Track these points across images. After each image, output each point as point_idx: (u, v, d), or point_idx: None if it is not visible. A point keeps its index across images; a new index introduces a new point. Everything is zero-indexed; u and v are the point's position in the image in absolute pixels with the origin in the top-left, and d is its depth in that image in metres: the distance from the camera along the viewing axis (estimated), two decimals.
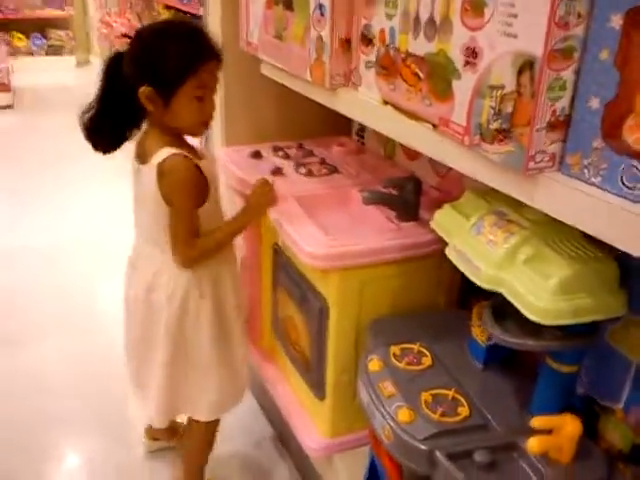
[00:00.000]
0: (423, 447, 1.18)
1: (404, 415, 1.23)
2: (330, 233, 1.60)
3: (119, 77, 1.50)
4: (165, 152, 1.48)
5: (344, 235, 1.58)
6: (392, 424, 1.23)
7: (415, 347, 1.43)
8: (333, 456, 1.80)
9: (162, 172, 1.48)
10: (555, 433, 1.14)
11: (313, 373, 1.75)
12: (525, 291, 1.06)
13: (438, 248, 1.57)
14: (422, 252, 1.59)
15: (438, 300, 1.69)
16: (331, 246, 1.52)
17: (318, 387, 1.74)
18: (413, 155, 1.93)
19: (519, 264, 1.09)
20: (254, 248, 2.07)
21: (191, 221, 1.55)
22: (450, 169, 1.76)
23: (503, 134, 0.94)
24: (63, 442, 2.24)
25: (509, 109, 0.92)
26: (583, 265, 1.04)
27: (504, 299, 1.22)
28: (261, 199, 1.70)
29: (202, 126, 1.56)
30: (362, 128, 2.21)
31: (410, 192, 1.58)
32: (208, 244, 1.60)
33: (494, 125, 0.95)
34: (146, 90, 1.45)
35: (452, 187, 1.73)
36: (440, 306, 1.68)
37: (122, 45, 1.64)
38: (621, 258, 1.08)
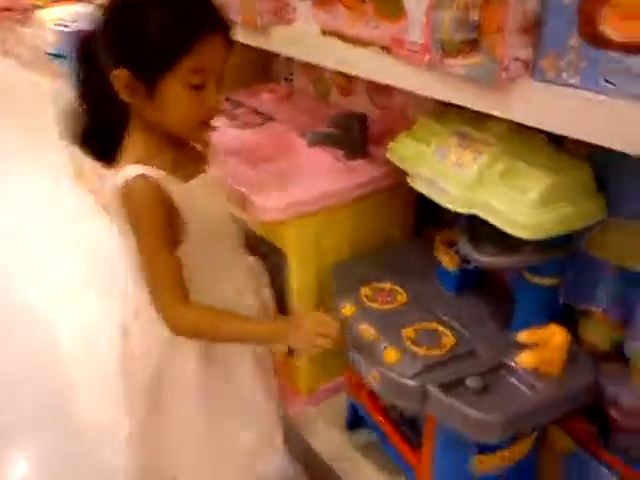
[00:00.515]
0: (414, 384, 1.15)
1: (390, 355, 1.20)
2: (278, 183, 1.52)
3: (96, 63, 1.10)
4: (131, 170, 1.08)
5: (294, 183, 1.51)
6: (380, 367, 1.20)
7: (386, 285, 1.39)
8: (310, 409, 1.77)
9: (121, 197, 1.09)
10: (543, 346, 1.14)
11: None
12: (504, 208, 1.02)
13: (390, 182, 1.54)
14: (376, 188, 1.54)
15: (396, 235, 1.66)
16: (281, 197, 1.45)
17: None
18: (348, 91, 1.86)
19: (493, 182, 1.05)
20: None
21: (166, 267, 1.12)
22: (391, 100, 1.71)
23: (470, 45, 0.88)
24: None
25: (475, 17, 0.86)
26: (560, 174, 1.01)
27: (471, 223, 1.19)
28: (313, 337, 1.22)
29: (200, 127, 1.14)
30: (290, 72, 2.11)
31: (355, 128, 1.51)
32: (204, 321, 1.17)
33: (458, 37, 0.90)
34: (122, 74, 1.06)
35: (395, 118, 1.68)
36: (399, 240, 1.65)
37: None
38: (594, 162, 1.07)
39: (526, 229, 1.00)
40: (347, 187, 1.49)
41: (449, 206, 1.11)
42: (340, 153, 1.58)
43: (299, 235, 1.50)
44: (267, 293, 1.46)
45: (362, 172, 1.53)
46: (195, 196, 1.15)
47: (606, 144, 0.81)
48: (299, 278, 1.55)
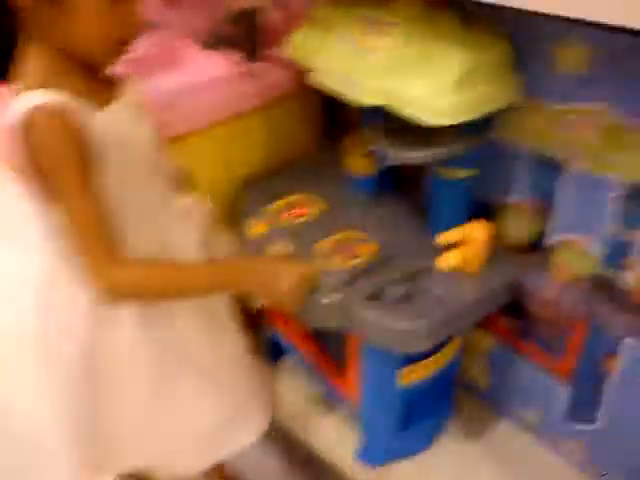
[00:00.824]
0: (332, 300, 1.07)
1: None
2: (171, 95, 1.36)
3: None
4: (34, 97, 0.83)
5: (189, 94, 1.35)
6: None
7: (300, 197, 1.29)
8: None
9: (22, 131, 0.83)
10: (464, 244, 1.08)
11: None
12: (419, 94, 0.93)
13: (298, 86, 1.41)
14: (282, 92, 1.41)
15: (307, 143, 1.55)
16: (177, 107, 1.29)
17: None
18: None
19: (407, 66, 0.95)
20: None
21: (94, 216, 0.87)
22: None
23: None
24: None
25: None
26: (477, 52, 0.92)
27: (382, 119, 1.10)
28: (286, 283, 1.00)
29: (117, 48, 0.89)
30: None
31: (252, 26, 1.36)
32: (152, 275, 0.93)
33: None
34: None
35: (298, 13, 1.53)
36: (310, 149, 1.54)
37: None
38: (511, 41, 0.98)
39: (443, 114, 0.91)
40: (248, 92, 1.35)
41: (359, 99, 1.00)
42: (238, 56, 1.42)
43: (202, 150, 1.36)
44: (220, 246, 1.19)
45: (265, 76, 1.39)
46: (116, 126, 0.90)
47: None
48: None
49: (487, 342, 1.28)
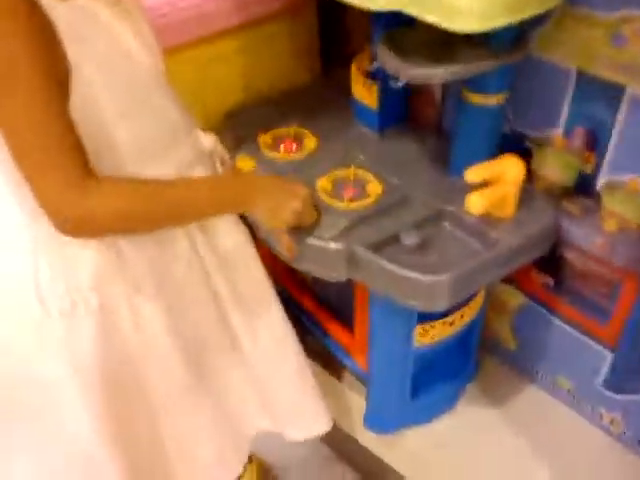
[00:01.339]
0: (337, 246, 0.89)
1: None
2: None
3: None
4: None
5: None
6: (292, 231, 0.92)
7: (291, 130, 1.09)
8: None
9: None
10: (494, 184, 0.89)
11: None
12: None
13: (286, 3, 1.20)
14: (269, 10, 1.19)
15: (300, 73, 1.34)
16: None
17: None
18: None
19: None
20: None
21: (62, 128, 0.66)
22: None
23: None
24: None
25: None
26: None
27: (394, 32, 0.89)
28: (296, 200, 0.84)
29: None
30: None
31: None
32: (135, 194, 0.72)
33: None
34: None
35: None
36: (306, 78, 1.33)
37: None
38: None
39: (469, 18, 0.71)
40: (229, 6, 1.14)
41: (369, 4, 0.79)
42: None
43: (173, 73, 1.15)
44: None
45: None
46: (91, 21, 0.68)
47: None
48: None
49: (516, 299, 1.11)
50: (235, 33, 1.18)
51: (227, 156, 0.91)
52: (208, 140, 0.87)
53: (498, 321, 1.17)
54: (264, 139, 1.07)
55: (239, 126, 1.15)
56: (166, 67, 1.05)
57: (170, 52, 1.09)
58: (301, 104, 1.20)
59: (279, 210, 0.83)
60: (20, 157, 0.65)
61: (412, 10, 0.77)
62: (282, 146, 1.05)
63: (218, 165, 0.89)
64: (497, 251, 0.89)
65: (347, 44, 1.35)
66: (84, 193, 0.66)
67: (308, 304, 1.24)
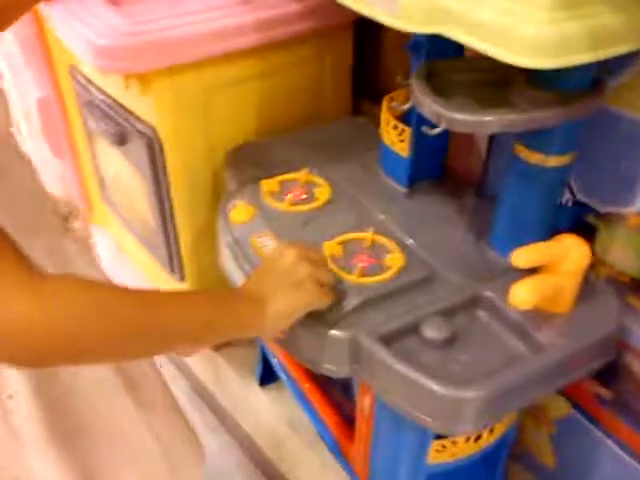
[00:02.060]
0: (339, 333, 0.69)
1: None
2: (137, 16, 0.99)
3: None
4: None
5: (162, 16, 0.98)
6: None
7: (301, 176, 0.90)
8: (215, 357, 1.31)
9: None
10: (547, 269, 0.69)
11: (161, 245, 1.20)
12: (497, 16, 0.54)
13: (316, 25, 1.03)
14: (291, 32, 1.02)
15: (325, 107, 1.16)
16: (136, 32, 0.92)
17: (172, 263, 1.21)
18: None
19: None
20: (48, 80, 1.42)
21: None
22: None
23: None
24: None
25: None
26: None
27: (435, 66, 0.71)
28: (302, 268, 0.66)
29: None
30: None
31: None
32: (100, 295, 0.51)
33: None
34: None
35: None
36: (330, 115, 1.15)
37: None
38: None
39: (541, 50, 0.52)
40: (244, 24, 0.97)
41: (400, 24, 0.61)
42: None
43: (175, 98, 0.99)
44: None
45: (270, 4, 1.00)
46: None
47: None
48: (179, 169, 1.05)
49: (560, 408, 0.89)
50: (252, 55, 1.02)
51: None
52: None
53: (535, 431, 0.95)
54: (269, 185, 0.88)
55: (243, 166, 0.97)
56: (167, 88, 0.87)
57: (173, 71, 0.94)
58: (320, 145, 1.02)
59: (291, 282, 0.64)
60: None
61: (459, 35, 0.58)
62: (289, 195, 0.86)
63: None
64: (546, 359, 0.68)
65: (384, 77, 1.16)
66: (37, 297, 0.46)
67: (304, 386, 1.03)
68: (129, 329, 0.51)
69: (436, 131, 0.63)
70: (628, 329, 0.76)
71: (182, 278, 1.22)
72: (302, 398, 1.02)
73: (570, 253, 0.67)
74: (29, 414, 0.61)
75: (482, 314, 0.74)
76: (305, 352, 0.73)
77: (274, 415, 1.18)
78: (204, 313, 0.57)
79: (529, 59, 0.54)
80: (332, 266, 0.74)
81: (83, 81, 1.21)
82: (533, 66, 0.54)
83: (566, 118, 0.63)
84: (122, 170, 1.25)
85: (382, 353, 0.67)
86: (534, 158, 0.70)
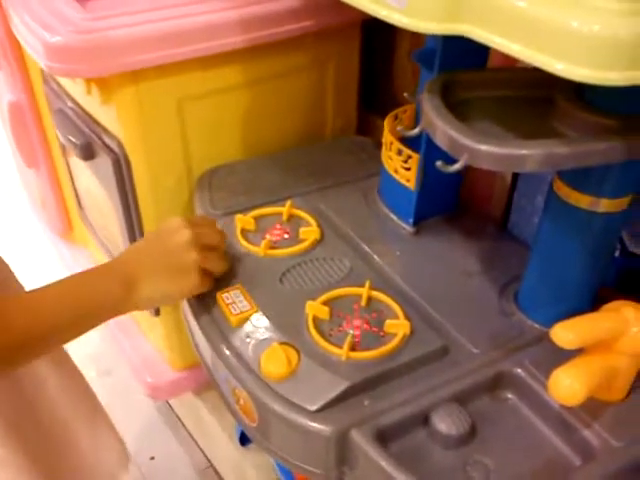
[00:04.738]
0: (323, 428, 0.53)
1: (275, 361, 0.56)
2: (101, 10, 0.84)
3: None
4: None
5: (130, 10, 0.83)
6: (251, 385, 0.56)
7: (284, 210, 0.73)
8: (195, 402, 1.16)
9: None
10: (599, 346, 0.52)
11: None
12: (542, 7, 0.38)
13: (314, 25, 0.87)
14: (285, 32, 0.86)
15: (324, 124, 0.99)
16: (95, 29, 0.78)
17: None
18: None
19: None
20: (22, 87, 1.27)
21: None
22: None
23: None
24: None
25: None
26: None
27: (452, 74, 0.55)
28: (191, 254, 0.62)
29: None
30: None
31: None
32: (39, 307, 0.57)
33: None
34: None
35: None
36: (331, 131, 0.98)
37: None
38: None
39: (607, 55, 0.36)
40: (229, 22, 0.81)
41: (404, 20, 0.44)
42: None
43: (142, 107, 0.83)
44: None
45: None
46: None
47: None
48: (149, 190, 0.90)
49: None
50: (237, 59, 0.86)
51: None
52: None
53: None
54: (243, 221, 0.72)
55: (217, 193, 0.80)
56: (132, 96, 0.81)
57: (139, 76, 0.79)
58: (312, 169, 0.86)
59: (174, 269, 0.61)
60: None
61: (485, 34, 0.41)
62: (267, 235, 0.70)
63: None
64: (602, 467, 0.51)
65: (399, 88, 1.01)
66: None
67: None
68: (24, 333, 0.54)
69: (455, 168, 0.47)
70: None
71: (157, 313, 1.07)
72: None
73: (631, 328, 0.51)
74: None
75: (510, 397, 0.58)
76: (281, 449, 0.56)
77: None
78: (77, 302, 0.58)
79: (591, 70, 0.37)
80: (314, 335, 0.58)
81: (54, 85, 1.07)
82: (597, 81, 0.38)
83: (635, 154, 0.46)
84: (93, 187, 1.11)
85: (379, 455, 0.51)
86: (581, 201, 0.54)
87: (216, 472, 1.21)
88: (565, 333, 0.49)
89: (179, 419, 1.31)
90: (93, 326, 0.60)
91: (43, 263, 1.61)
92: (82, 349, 0.79)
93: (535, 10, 0.39)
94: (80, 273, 0.61)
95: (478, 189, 0.79)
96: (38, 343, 0.56)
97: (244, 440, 1.04)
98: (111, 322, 1.24)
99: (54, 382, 0.70)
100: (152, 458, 1.26)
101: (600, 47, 0.37)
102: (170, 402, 1.34)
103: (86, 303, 0.59)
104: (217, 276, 0.64)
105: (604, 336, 0.51)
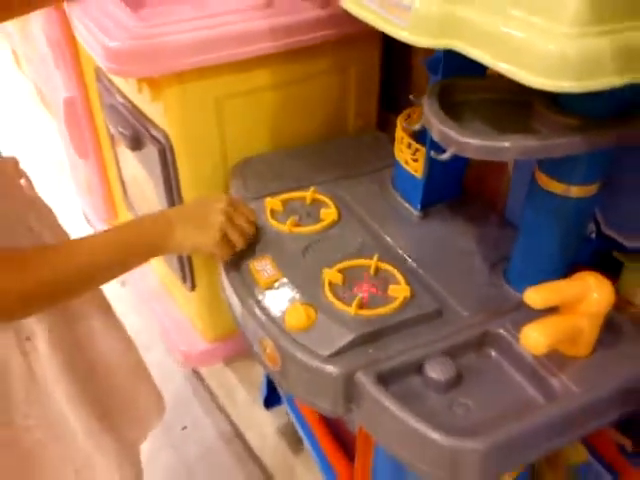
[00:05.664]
0: (334, 370, 0.64)
1: (296, 316, 0.68)
2: (153, 18, 0.96)
3: None
4: None
5: (177, 19, 0.94)
6: (276, 335, 0.68)
7: (307, 195, 0.85)
8: (224, 368, 1.28)
9: None
10: (566, 309, 0.62)
11: (173, 256, 1.17)
12: (513, 29, 0.49)
13: (338, 33, 0.97)
14: (312, 39, 0.97)
15: (346, 122, 1.10)
16: (146, 36, 0.89)
17: (183, 274, 1.17)
18: None
19: None
20: (76, 81, 1.41)
21: None
22: None
23: None
24: None
25: None
26: None
27: (451, 81, 0.66)
28: (221, 223, 0.75)
29: None
30: None
31: None
32: (56, 264, 0.66)
33: None
34: None
35: None
36: (354, 128, 1.09)
37: None
38: None
39: (559, 70, 0.47)
40: (261, 29, 0.92)
41: (406, 36, 0.55)
42: None
43: (185, 105, 0.95)
44: None
45: (291, 9, 0.96)
46: None
47: None
48: (191, 177, 1.02)
49: (578, 454, 0.82)
50: (269, 63, 0.97)
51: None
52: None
53: (551, 475, 0.88)
54: (272, 203, 0.84)
55: (250, 180, 0.92)
56: (177, 94, 0.91)
57: (183, 78, 0.90)
58: (334, 160, 0.97)
59: (203, 222, 0.75)
60: None
61: (471, 49, 0.52)
62: (292, 216, 0.82)
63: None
64: (561, 408, 0.62)
65: (414, 91, 1.11)
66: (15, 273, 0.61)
67: (306, 415, 0.98)
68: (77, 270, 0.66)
69: (445, 156, 0.58)
70: None
71: (193, 288, 1.18)
72: (304, 427, 0.97)
73: (591, 293, 0.61)
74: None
75: (493, 353, 0.68)
76: (298, 388, 0.68)
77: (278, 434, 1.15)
78: (120, 250, 0.70)
79: (549, 80, 0.48)
80: (329, 295, 0.70)
81: (107, 83, 1.19)
82: (553, 89, 0.48)
83: (591, 147, 0.57)
84: (139, 176, 1.23)
85: (379, 394, 0.62)
86: (556, 187, 0.64)
87: (245, 441, 1.30)
88: (533, 294, 0.59)
89: (209, 389, 1.43)
90: (137, 263, 0.72)
91: None
92: None
93: (504, 31, 0.49)
94: (133, 219, 0.75)
95: (485, 177, 0.89)
96: (98, 272, 0.68)
97: (268, 403, 1.15)
98: (150, 295, 1.38)
99: (101, 328, 0.79)
100: (184, 428, 1.36)
101: (553, 62, 0.48)
102: (201, 373, 1.45)
103: (134, 239, 0.72)
104: (236, 250, 0.77)
105: (567, 299, 0.61)
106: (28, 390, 0.71)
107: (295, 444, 1.14)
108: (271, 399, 1.13)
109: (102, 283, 0.73)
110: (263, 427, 1.20)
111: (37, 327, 0.69)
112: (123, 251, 0.71)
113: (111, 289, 0.80)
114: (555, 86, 0.48)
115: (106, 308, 0.82)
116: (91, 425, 0.76)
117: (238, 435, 1.30)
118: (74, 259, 0.67)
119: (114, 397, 0.83)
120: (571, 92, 0.48)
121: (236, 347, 1.23)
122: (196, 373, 1.44)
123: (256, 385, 1.20)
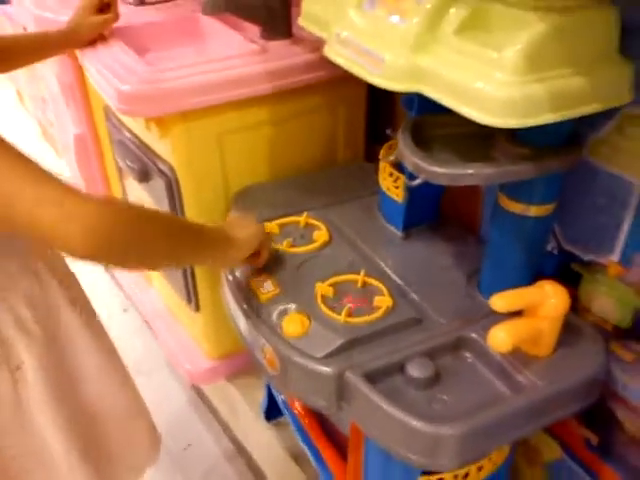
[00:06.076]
0: (327, 370, 0.73)
1: (292, 324, 0.77)
2: (159, 63, 1.07)
3: None
4: None
5: (181, 64, 1.05)
6: (275, 342, 0.77)
7: (301, 219, 0.95)
8: (227, 384, 1.36)
9: None
10: (529, 314, 0.72)
11: (179, 279, 1.26)
12: (466, 77, 0.58)
13: (327, 75, 1.08)
14: (304, 80, 1.08)
15: (336, 154, 1.21)
16: (153, 80, 0.99)
17: (188, 294, 1.26)
18: None
19: (449, 37, 0.61)
20: (85, 118, 1.51)
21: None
22: None
23: None
24: None
25: None
26: (561, 17, 0.56)
27: (422, 118, 0.76)
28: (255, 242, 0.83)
29: None
30: None
31: None
32: (139, 213, 0.69)
33: None
34: None
35: None
36: (343, 160, 1.20)
37: None
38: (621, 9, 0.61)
39: (503, 110, 0.56)
40: (256, 73, 1.03)
41: (382, 82, 0.66)
42: (257, 32, 1.11)
43: (190, 141, 1.05)
44: None
45: (283, 55, 1.07)
46: None
47: None
48: (195, 207, 1.12)
49: (552, 450, 0.91)
50: (265, 102, 1.07)
51: None
52: None
53: (529, 472, 0.96)
54: (270, 227, 0.94)
55: (248, 207, 1.02)
56: (182, 132, 1.00)
57: (188, 117, 1.00)
58: (325, 188, 1.07)
59: (250, 235, 0.82)
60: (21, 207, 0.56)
61: (433, 93, 0.63)
62: (288, 238, 0.91)
63: None
64: (525, 399, 0.70)
65: (398, 125, 1.21)
66: (92, 204, 0.59)
67: (301, 417, 1.06)
68: (163, 232, 0.68)
69: (416, 182, 0.68)
70: (611, 377, 0.77)
71: (197, 309, 1.27)
72: (302, 433, 1.05)
73: (548, 299, 0.70)
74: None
75: (467, 355, 0.77)
76: (296, 388, 0.77)
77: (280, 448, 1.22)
78: (201, 239, 0.75)
79: (497, 119, 0.58)
80: (321, 305, 0.79)
81: (115, 121, 1.29)
82: (501, 125, 0.58)
83: (540, 173, 0.67)
84: (146, 205, 1.32)
85: (366, 390, 0.71)
86: (516, 207, 0.74)
87: (249, 457, 1.34)
88: (497, 300, 0.69)
89: (211, 408, 1.50)
90: (206, 256, 0.78)
91: (95, 279, 1.83)
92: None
93: (459, 78, 0.60)
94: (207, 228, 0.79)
95: (459, 203, 0.99)
96: (175, 240, 0.70)
97: (269, 415, 1.23)
98: (154, 316, 1.45)
99: (95, 365, 0.81)
100: (187, 447, 1.40)
101: (502, 104, 0.58)
102: (204, 390, 1.51)
103: (207, 231, 0.76)
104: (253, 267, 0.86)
105: (528, 304, 0.70)
106: (14, 418, 0.73)
107: (298, 459, 1.20)
108: (271, 411, 1.21)
109: (173, 258, 0.73)
110: (266, 442, 1.27)
111: (26, 356, 0.72)
112: (205, 244, 0.75)
113: (113, 315, 0.84)
114: (504, 123, 0.58)
115: (101, 344, 0.83)
116: (75, 460, 0.79)
117: (241, 451, 1.36)
118: (159, 216, 0.75)
119: (108, 445, 0.85)
120: (517, 127, 0.58)
121: (238, 364, 1.32)
122: (198, 391, 1.51)
123: (257, 401, 1.28)
